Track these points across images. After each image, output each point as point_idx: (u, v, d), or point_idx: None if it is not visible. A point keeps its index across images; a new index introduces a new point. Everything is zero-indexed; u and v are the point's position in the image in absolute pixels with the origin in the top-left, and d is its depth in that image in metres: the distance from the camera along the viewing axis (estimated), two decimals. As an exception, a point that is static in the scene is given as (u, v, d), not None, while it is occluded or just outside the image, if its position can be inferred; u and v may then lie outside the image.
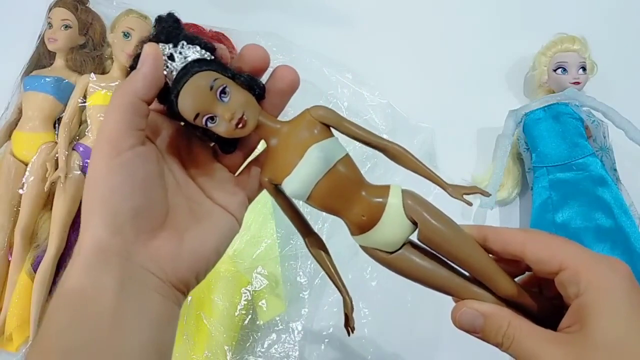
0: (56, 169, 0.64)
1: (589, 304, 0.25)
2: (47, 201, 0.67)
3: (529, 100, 0.74)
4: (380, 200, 0.29)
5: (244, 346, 0.61)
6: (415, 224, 0.29)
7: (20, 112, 0.69)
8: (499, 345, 0.27)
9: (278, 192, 0.30)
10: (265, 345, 0.62)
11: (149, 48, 0.27)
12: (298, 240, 0.64)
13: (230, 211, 0.31)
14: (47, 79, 0.68)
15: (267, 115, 0.29)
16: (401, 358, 0.64)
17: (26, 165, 0.66)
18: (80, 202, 0.66)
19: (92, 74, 0.69)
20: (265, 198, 0.30)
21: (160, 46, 0.28)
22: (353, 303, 0.30)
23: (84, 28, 0.71)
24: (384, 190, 0.29)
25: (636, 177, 0.68)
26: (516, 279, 0.30)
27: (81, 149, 0.67)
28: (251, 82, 0.29)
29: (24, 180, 0.66)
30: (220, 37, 0.73)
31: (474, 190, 0.30)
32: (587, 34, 0.70)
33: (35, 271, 0.63)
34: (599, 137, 0.68)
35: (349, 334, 0.30)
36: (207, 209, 0.30)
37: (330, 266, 0.31)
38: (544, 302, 0.29)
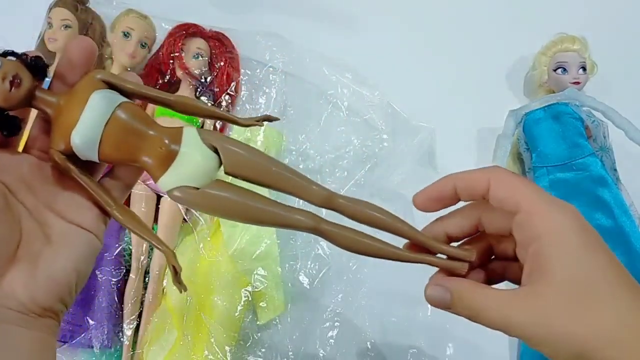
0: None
1: (543, 249, 0.26)
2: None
3: (529, 100, 0.74)
4: (176, 134, 0.29)
5: (244, 346, 0.61)
6: (217, 154, 0.29)
7: (20, 112, 0.69)
8: (470, 317, 0.28)
9: (69, 165, 0.29)
10: (266, 346, 0.62)
11: None
12: (298, 240, 0.64)
13: (86, 227, 0.30)
14: (47, 79, 0.68)
15: (44, 89, 0.30)
16: (401, 358, 0.64)
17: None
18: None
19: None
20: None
21: None
22: (174, 253, 0.29)
23: (84, 28, 0.71)
24: (177, 128, 0.30)
25: (636, 177, 0.67)
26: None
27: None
28: (26, 58, 0.29)
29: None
30: (220, 37, 0.73)
31: (263, 117, 0.31)
32: (587, 34, 0.71)
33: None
34: (599, 137, 0.68)
35: (180, 291, 0.30)
36: (61, 230, 0.29)
37: (143, 226, 0.30)
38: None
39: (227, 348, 0.58)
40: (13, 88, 0.28)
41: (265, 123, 0.32)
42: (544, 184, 0.66)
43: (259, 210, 0.29)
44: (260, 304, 0.61)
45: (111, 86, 0.29)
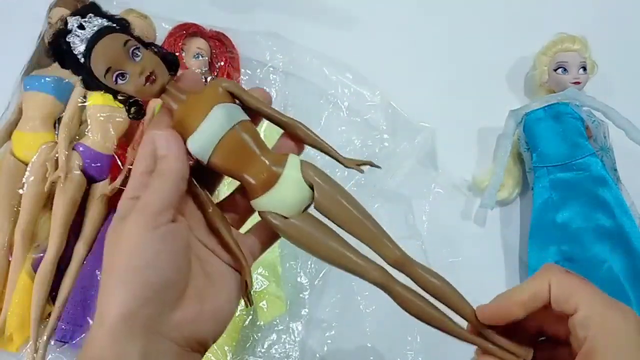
0: (56, 168, 0.64)
1: (596, 348, 0.26)
2: (48, 201, 0.67)
3: (529, 100, 0.74)
4: (280, 162, 0.30)
5: (244, 347, 0.61)
6: (312, 189, 0.30)
7: (20, 112, 0.69)
8: None
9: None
10: (266, 346, 0.62)
11: (166, 136, 0.29)
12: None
13: (237, 268, 0.31)
14: (47, 79, 0.68)
15: (176, 84, 0.30)
16: (400, 358, 0.64)
17: (26, 165, 0.66)
18: (80, 203, 0.66)
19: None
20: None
21: (70, 19, 0.29)
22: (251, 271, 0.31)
23: (84, 28, 0.71)
24: (283, 155, 0.31)
25: (636, 177, 0.67)
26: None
27: (81, 148, 0.67)
28: (165, 53, 0.30)
29: (24, 180, 0.66)
30: (221, 37, 0.73)
31: (365, 162, 0.33)
32: (587, 34, 0.70)
33: (35, 271, 0.63)
34: (600, 137, 0.68)
35: (247, 306, 0.31)
36: (219, 269, 0.31)
37: (231, 236, 0.31)
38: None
39: (227, 348, 0.58)
40: (147, 83, 0.29)
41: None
42: (544, 184, 0.66)
43: (337, 253, 0.30)
44: (261, 305, 0.61)
45: (233, 95, 0.31)
